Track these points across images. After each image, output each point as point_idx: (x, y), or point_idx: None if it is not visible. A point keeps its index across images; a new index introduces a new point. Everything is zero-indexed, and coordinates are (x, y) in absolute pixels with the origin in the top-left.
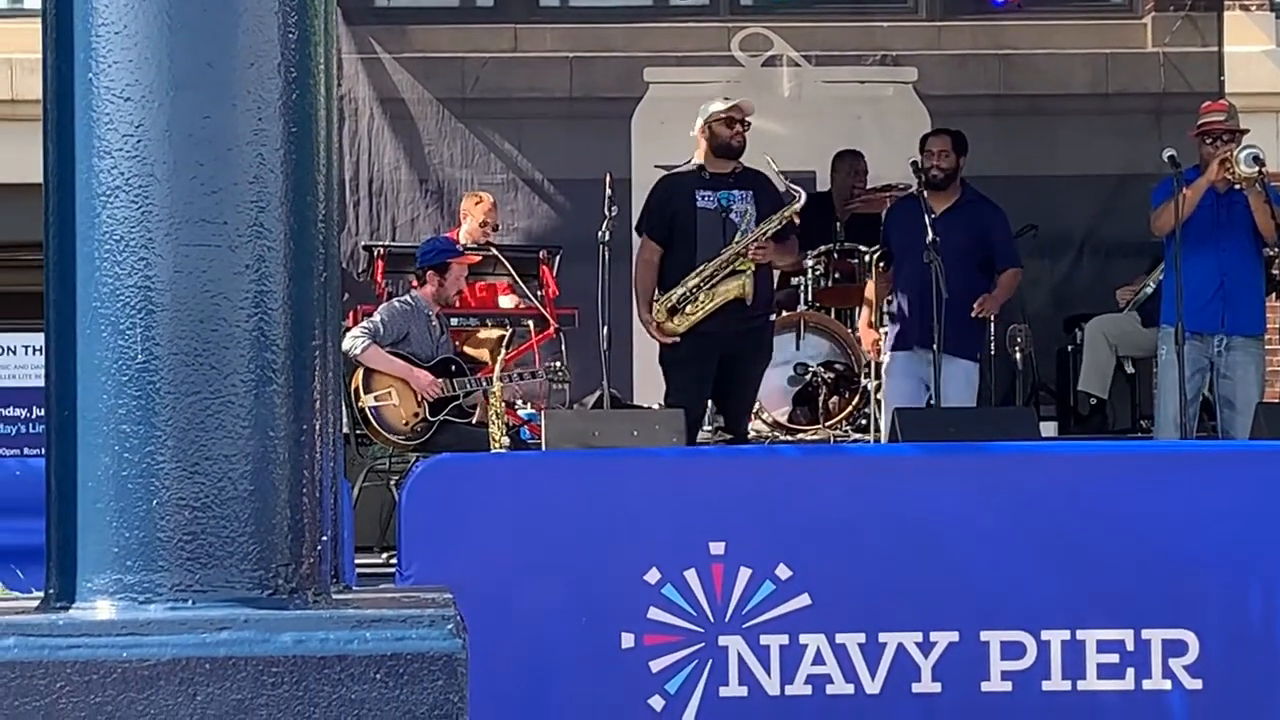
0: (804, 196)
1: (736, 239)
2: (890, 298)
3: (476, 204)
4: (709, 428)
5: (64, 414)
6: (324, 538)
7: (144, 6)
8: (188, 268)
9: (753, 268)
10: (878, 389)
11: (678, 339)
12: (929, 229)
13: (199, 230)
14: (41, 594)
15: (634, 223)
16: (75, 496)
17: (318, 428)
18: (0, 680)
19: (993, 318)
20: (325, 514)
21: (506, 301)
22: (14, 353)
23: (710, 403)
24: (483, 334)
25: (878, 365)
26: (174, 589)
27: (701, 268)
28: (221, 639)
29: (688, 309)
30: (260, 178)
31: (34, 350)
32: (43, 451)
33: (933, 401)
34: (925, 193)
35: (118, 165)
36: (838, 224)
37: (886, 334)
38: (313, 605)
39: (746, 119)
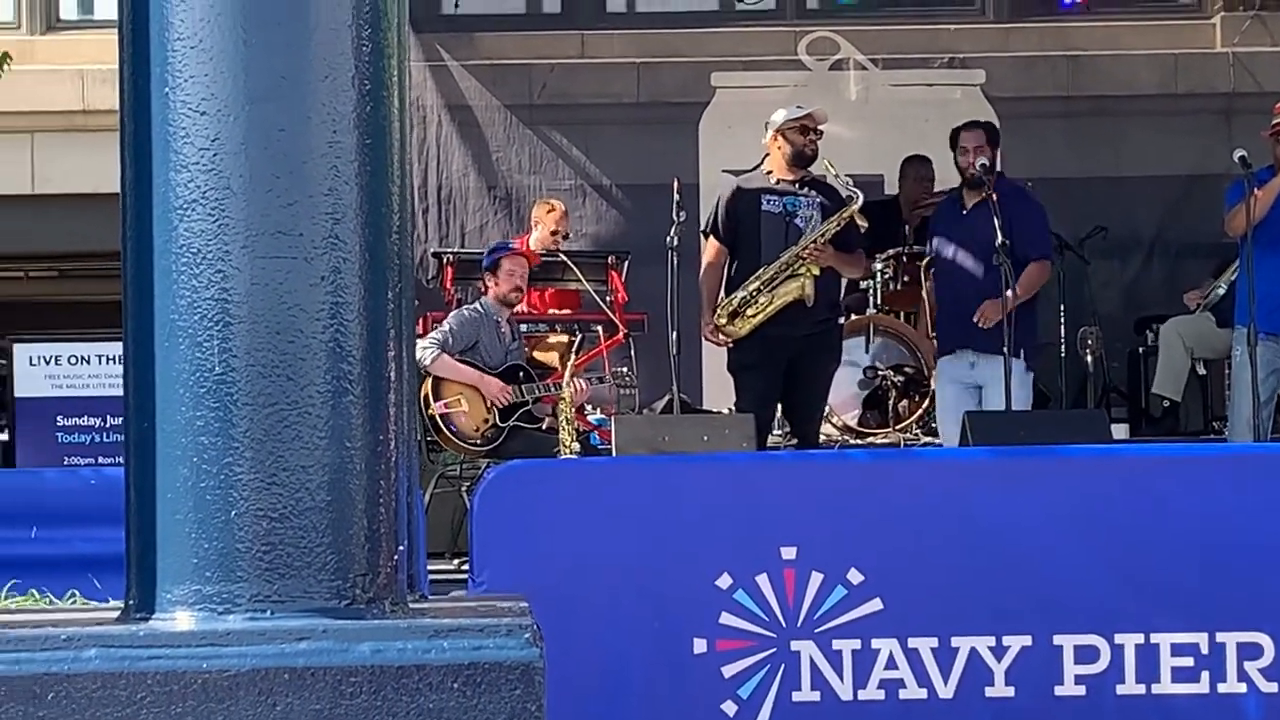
0: (861, 198)
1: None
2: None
3: (548, 212)
4: (778, 432)
5: (143, 426)
6: (400, 547)
7: (219, 21)
8: (264, 280)
9: (814, 270)
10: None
11: (733, 343)
12: (998, 232)
13: (275, 242)
14: (120, 604)
15: (701, 227)
16: (154, 508)
17: (394, 438)
18: (82, 690)
19: (1061, 317)
20: (402, 523)
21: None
22: (88, 362)
23: (779, 407)
24: (552, 339)
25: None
26: (252, 600)
27: (762, 271)
28: (300, 649)
29: (748, 312)
30: (335, 190)
31: (108, 360)
32: (118, 461)
33: (1008, 403)
34: (963, 190)
35: (194, 179)
36: (906, 227)
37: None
38: (390, 615)
39: (819, 127)
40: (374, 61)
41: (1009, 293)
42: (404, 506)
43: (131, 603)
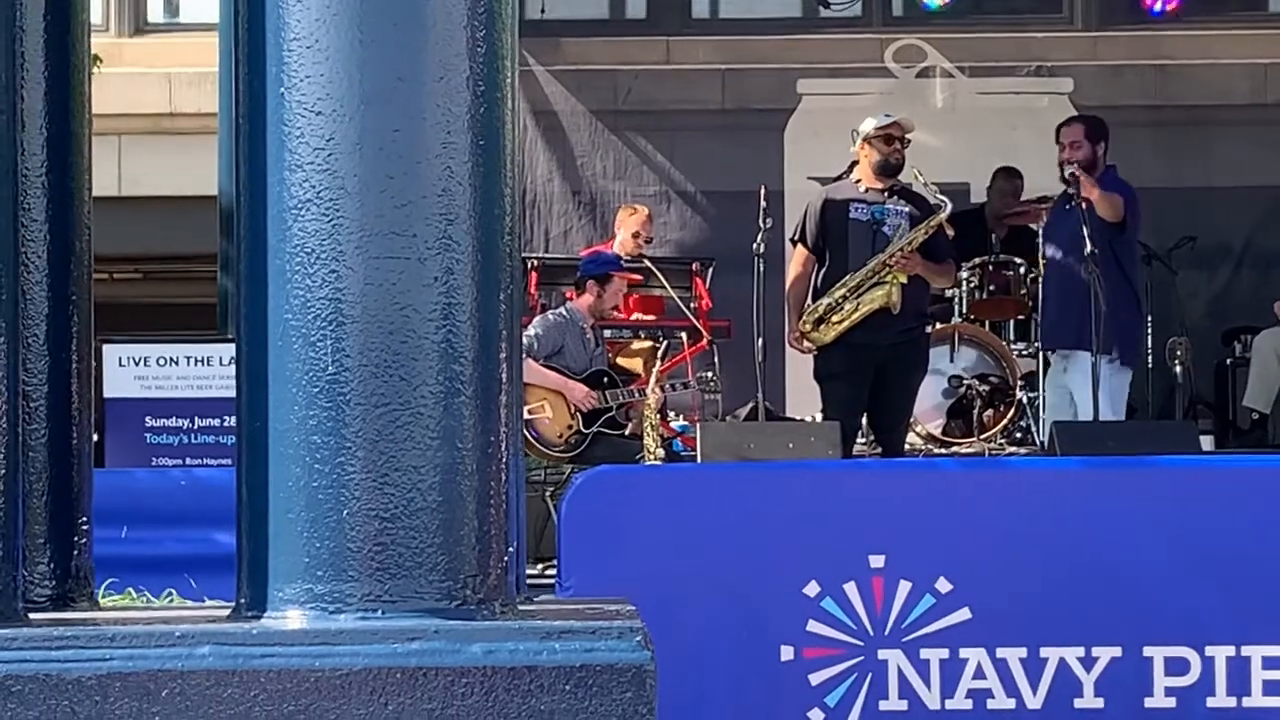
0: (949, 206)
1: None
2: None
3: (631, 215)
4: (862, 440)
5: (255, 425)
6: (510, 549)
7: (335, 21)
8: (377, 280)
9: (901, 278)
10: (1030, 401)
11: (819, 351)
12: (1087, 240)
13: (389, 243)
14: (219, 602)
15: (788, 234)
16: (266, 507)
17: (504, 439)
18: (196, 688)
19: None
20: (511, 525)
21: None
22: (176, 363)
23: (865, 415)
24: (636, 345)
25: (1028, 375)
26: (364, 599)
27: (848, 278)
28: (412, 649)
29: (833, 319)
30: (449, 190)
31: (197, 361)
32: (205, 462)
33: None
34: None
35: (309, 179)
36: (993, 236)
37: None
38: (500, 616)
39: (906, 136)
40: (488, 62)
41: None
42: (514, 508)
43: (243, 601)
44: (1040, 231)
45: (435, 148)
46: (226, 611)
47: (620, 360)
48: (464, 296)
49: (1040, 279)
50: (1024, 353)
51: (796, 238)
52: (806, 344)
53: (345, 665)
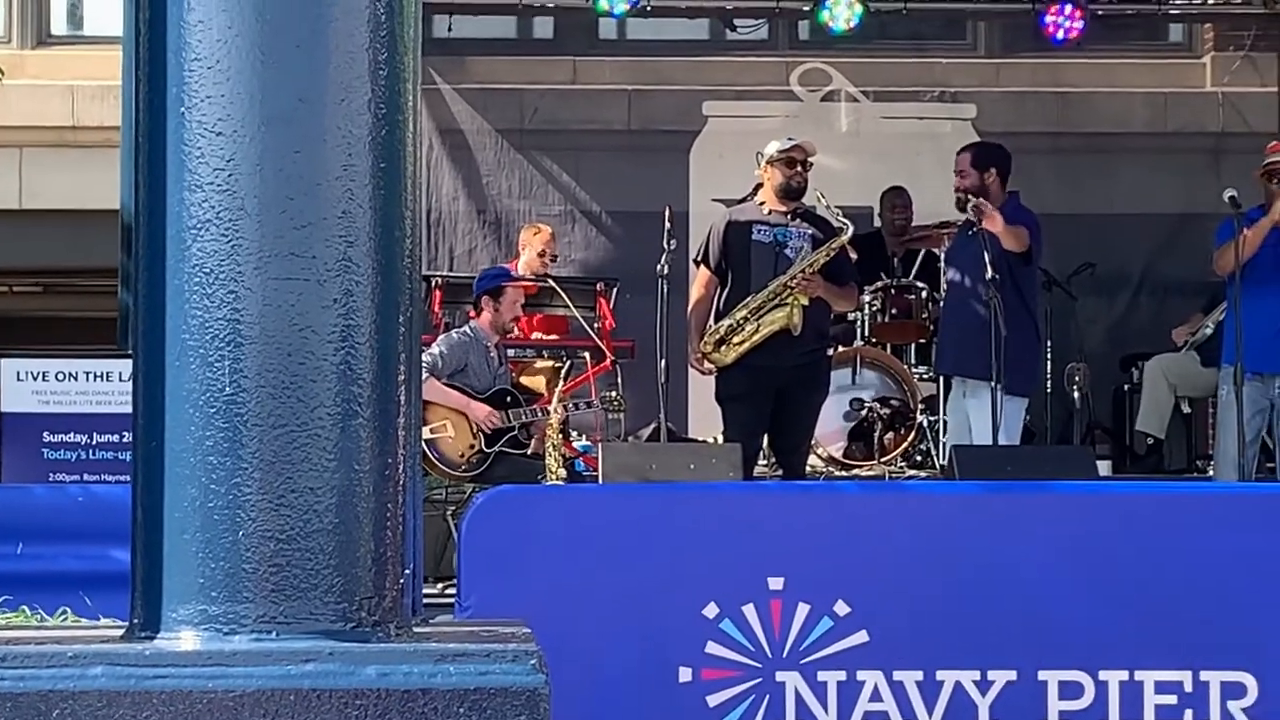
0: (851, 229)
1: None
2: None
3: (535, 234)
4: (763, 463)
5: (151, 444)
6: (406, 570)
7: (237, 42)
8: (276, 301)
9: (802, 300)
10: (931, 425)
11: (720, 373)
12: (988, 266)
13: (288, 264)
14: (114, 620)
15: (692, 255)
16: (161, 527)
17: (402, 461)
18: (88, 708)
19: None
20: (408, 547)
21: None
22: (75, 379)
23: (765, 438)
24: (539, 365)
25: (929, 398)
26: (258, 620)
27: (749, 300)
28: (306, 671)
29: (734, 339)
30: (349, 213)
31: (96, 376)
32: (103, 478)
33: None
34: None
35: (208, 199)
36: (894, 260)
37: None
38: (396, 638)
39: (809, 159)
40: (390, 85)
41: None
42: (410, 530)
43: (137, 621)
44: (942, 256)
45: (336, 170)
46: (120, 631)
47: (523, 380)
48: (363, 318)
49: (941, 303)
50: (925, 376)
51: (700, 259)
52: (707, 365)
53: (239, 687)
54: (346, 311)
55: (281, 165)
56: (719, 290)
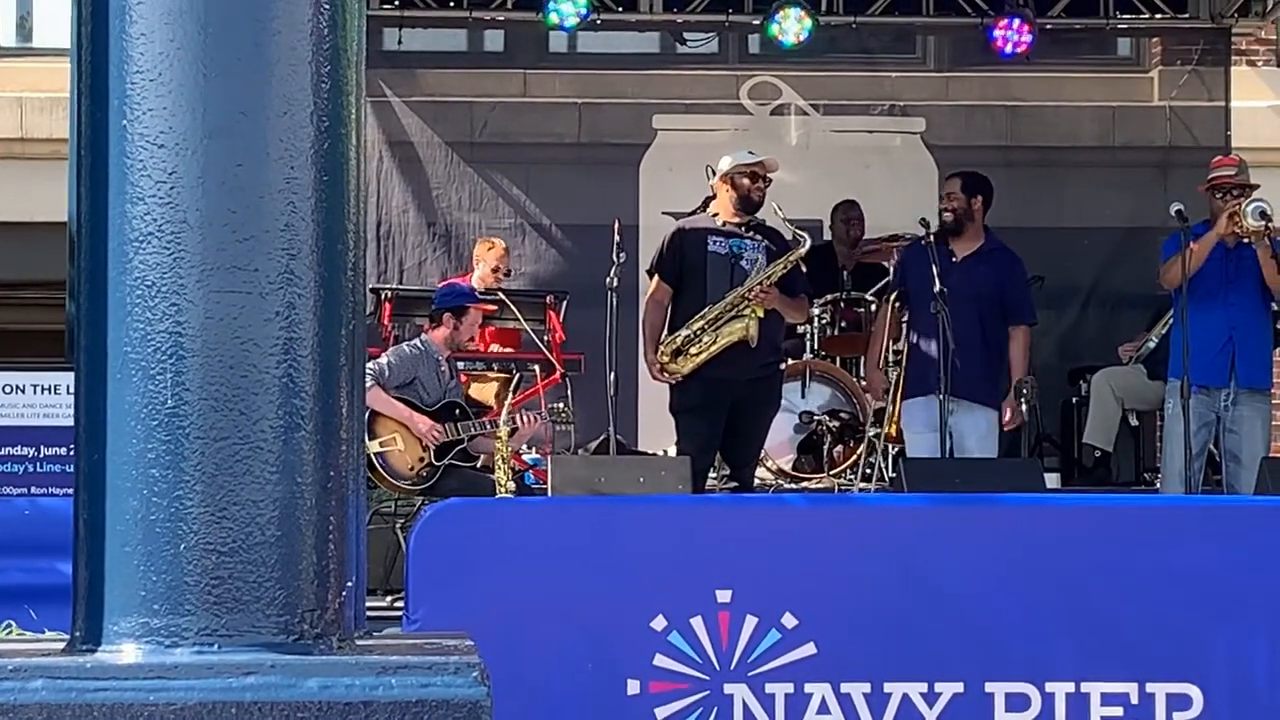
0: (809, 242)
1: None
2: (901, 342)
3: (489, 250)
4: (714, 476)
5: (93, 457)
6: (349, 583)
7: (179, 55)
8: (218, 314)
9: (759, 312)
10: (883, 436)
11: (679, 379)
12: (936, 279)
13: (230, 277)
14: (60, 633)
15: (643, 267)
16: (103, 540)
17: (344, 474)
18: None
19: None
20: (350, 560)
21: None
22: (23, 391)
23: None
24: (489, 377)
25: (879, 411)
26: (200, 633)
27: (706, 311)
28: (248, 684)
29: (691, 350)
30: (291, 225)
31: (43, 389)
32: (51, 491)
33: (952, 449)
34: (947, 238)
35: (151, 212)
36: (844, 273)
37: (899, 378)
38: (337, 651)
39: (769, 175)
40: (333, 98)
41: (1013, 372)
42: (353, 543)
43: (78, 634)
44: (891, 269)
45: (278, 183)
46: (62, 645)
47: (473, 392)
48: (305, 331)
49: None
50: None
51: (652, 269)
52: (667, 375)
53: (180, 699)
54: (289, 324)
55: (224, 178)
56: (672, 301)
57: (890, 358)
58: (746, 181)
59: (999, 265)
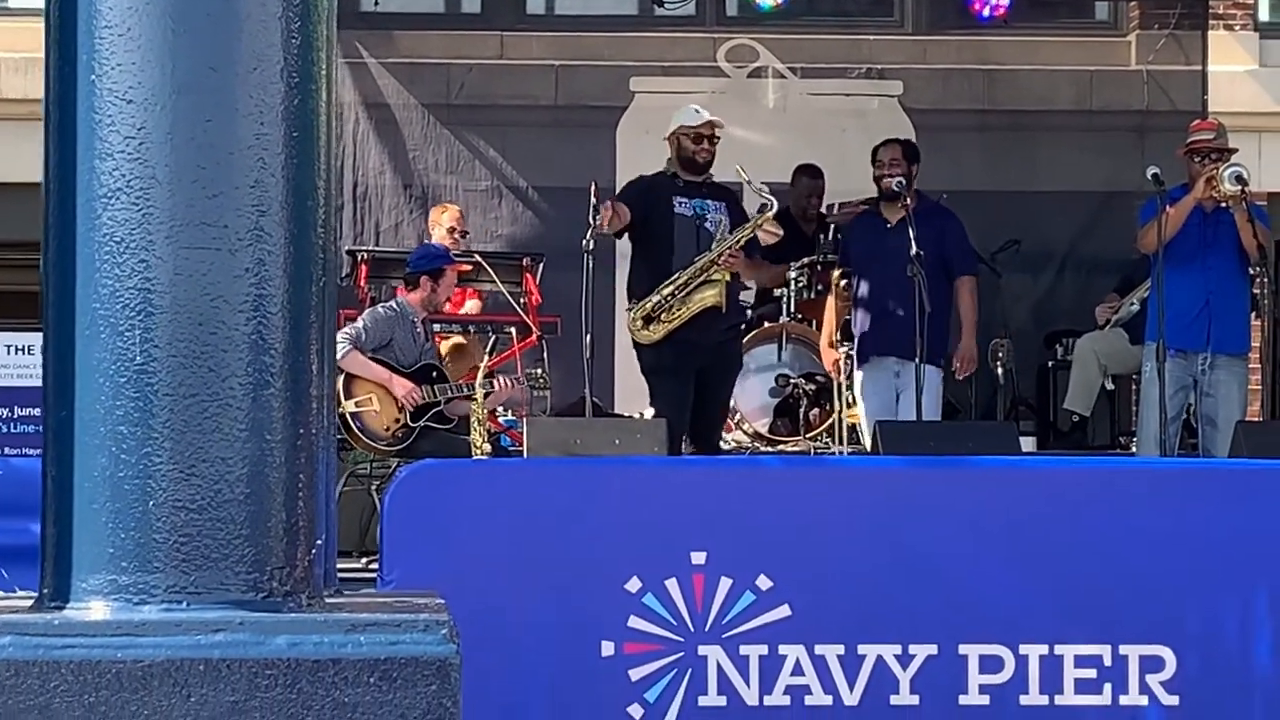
0: (776, 205)
1: (712, 248)
2: (850, 315)
3: (443, 213)
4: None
5: (61, 414)
6: (319, 541)
7: (148, 9)
8: (187, 270)
9: (727, 277)
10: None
11: (647, 346)
12: (913, 243)
13: (199, 233)
14: (31, 593)
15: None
16: (71, 497)
17: (314, 432)
18: None
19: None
20: (320, 518)
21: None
22: None
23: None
24: (465, 340)
25: (839, 385)
26: (168, 590)
27: (675, 276)
28: (216, 641)
29: (663, 317)
30: (261, 182)
31: (17, 350)
32: (24, 452)
33: (919, 412)
34: (879, 205)
35: (119, 167)
36: (821, 236)
37: (849, 351)
38: (307, 609)
39: (715, 135)
40: (303, 54)
41: (964, 322)
42: (323, 500)
43: (46, 591)
44: (842, 238)
45: (248, 139)
46: (30, 602)
47: (448, 355)
48: (275, 288)
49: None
50: (851, 352)
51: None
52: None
53: (147, 656)
54: (259, 281)
55: (193, 134)
56: (638, 260)
57: (839, 336)
58: (690, 144)
59: (935, 224)
